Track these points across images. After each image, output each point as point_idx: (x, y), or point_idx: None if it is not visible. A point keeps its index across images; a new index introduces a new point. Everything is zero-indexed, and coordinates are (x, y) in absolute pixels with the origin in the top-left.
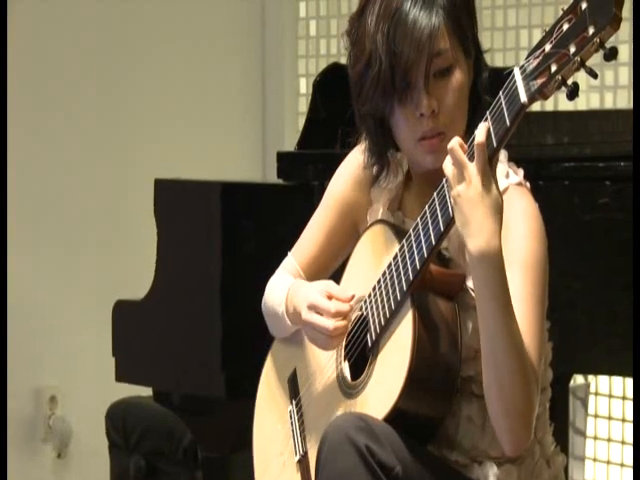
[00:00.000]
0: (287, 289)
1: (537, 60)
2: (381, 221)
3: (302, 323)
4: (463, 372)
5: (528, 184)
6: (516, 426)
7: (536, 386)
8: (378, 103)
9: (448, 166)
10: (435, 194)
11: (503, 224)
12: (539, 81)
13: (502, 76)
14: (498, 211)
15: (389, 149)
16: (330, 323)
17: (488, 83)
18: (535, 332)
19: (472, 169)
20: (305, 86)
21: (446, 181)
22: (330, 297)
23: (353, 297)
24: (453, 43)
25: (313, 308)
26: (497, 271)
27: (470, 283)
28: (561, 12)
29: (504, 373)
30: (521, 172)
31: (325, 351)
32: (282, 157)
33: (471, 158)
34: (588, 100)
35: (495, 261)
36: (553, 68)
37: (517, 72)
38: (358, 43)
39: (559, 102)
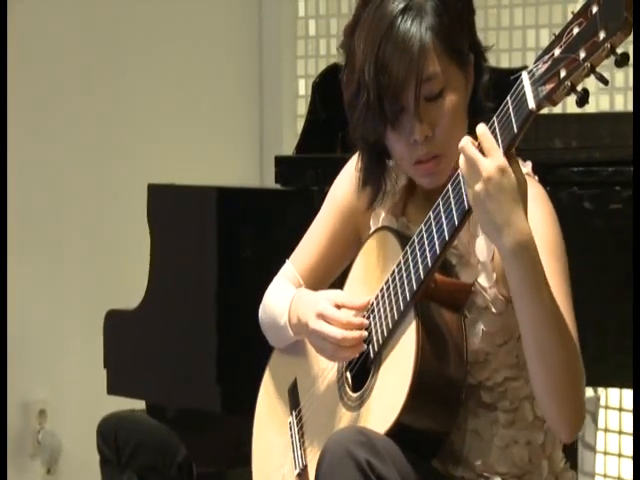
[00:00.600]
0: (290, 299)
1: (546, 65)
2: (384, 227)
3: (308, 333)
4: (472, 378)
5: (536, 177)
6: (572, 413)
7: (583, 368)
8: (370, 129)
9: (462, 166)
10: (440, 199)
11: None
12: (548, 87)
13: (509, 79)
14: (522, 197)
15: (384, 173)
16: (339, 332)
17: (490, 85)
18: (571, 312)
19: (486, 163)
20: (304, 88)
21: (451, 184)
22: (339, 307)
23: (367, 304)
24: (444, 64)
25: (322, 317)
26: (535, 260)
27: (481, 281)
28: (570, 13)
29: (556, 366)
30: (529, 164)
31: (332, 362)
32: (280, 161)
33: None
34: (598, 102)
35: (531, 250)
36: (562, 73)
37: (525, 77)
38: (349, 63)
39: (568, 104)
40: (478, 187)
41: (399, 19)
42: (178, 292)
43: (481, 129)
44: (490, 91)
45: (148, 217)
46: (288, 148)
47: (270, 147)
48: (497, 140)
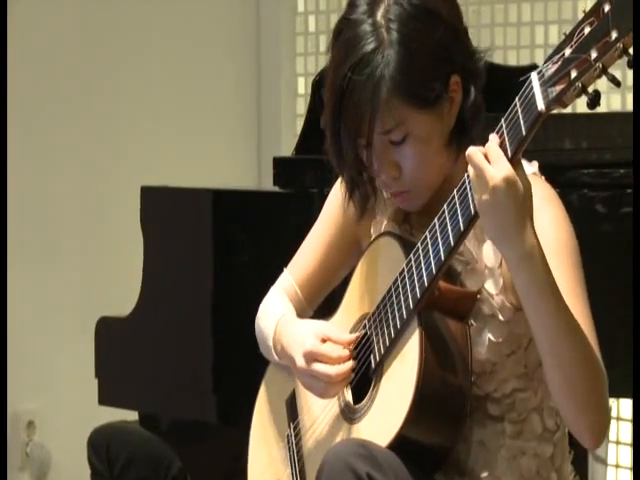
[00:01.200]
0: (275, 324)
1: (556, 65)
2: (387, 233)
3: (296, 371)
4: (479, 390)
5: (543, 178)
6: (595, 420)
7: (604, 372)
8: (341, 153)
9: (470, 173)
10: (445, 205)
11: None
12: (558, 88)
13: (517, 77)
14: (529, 205)
15: (371, 183)
16: (332, 370)
17: (480, 103)
18: (588, 318)
19: (492, 173)
20: (304, 86)
21: (457, 190)
22: (325, 340)
23: (355, 340)
24: (405, 114)
25: (311, 355)
26: (541, 268)
27: (488, 287)
28: (581, 11)
29: (574, 374)
30: (535, 164)
31: (322, 399)
32: (279, 163)
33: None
34: (609, 101)
35: (537, 259)
36: (573, 74)
37: (534, 78)
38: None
39: (577, 103)
40: (484, 196)
41: (356, 75)
42: (172, 298)
43: (492, 140)
44: (481, 105)
45: (141, 221)
46: (287, 149)
47: (268, 148)
48: (505, 143)
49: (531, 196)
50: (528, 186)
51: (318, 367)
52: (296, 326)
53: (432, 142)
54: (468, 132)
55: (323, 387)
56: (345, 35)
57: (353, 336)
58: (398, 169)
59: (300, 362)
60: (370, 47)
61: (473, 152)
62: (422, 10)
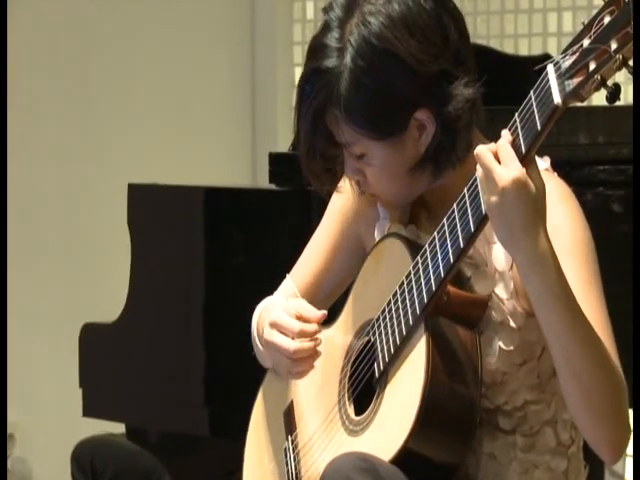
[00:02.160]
0: (262, 308)
1: (574, 57)
2: (393, 235)
3: (264, 344)
4: (489, 402)
5: (555, 174)
6: (614, 433)
7: (622, 381)
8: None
9: (479, 173)
10: (455, 205)
11: None
12: (575, 80)
13: (529, 67)
14: (541, 207)
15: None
16: (292, 344)
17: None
18: (605, 324)
19: (501, 174)
20: None
21: (467, 189)
22: (299, 317)
23: (324, 316)
24: (357, 137)
25: (275, 326)
26: (554, 274)
27: (499, 292)
28: (602, 2)
29: (591, 384)
30: (547, 159)
31: (290, 378)
32: (275, 159)
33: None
34: (626, 93)
35: (549, 264)
36: (592, 66)
37: (550, 69)
38: None
39: (593, 95)
40: (493, 198)
41: (309, 85)
42: (161, 303)
43: (503, 138)
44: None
45: (128, 221)
46: (283, 144)
47: (263, 143)
48: (518, 139)
49: (544, 197)
50: (541, 187)
51: (279, 339)
52: (278, 305)
53: (390, 169)
54: (445, 157)
55: (286, 364)
56: (315, 37)
57: (321, 312)
58: (363, 175)
59: (265, 333)
60: (328, 63)
61: (482, 151)
62: (380, 49)
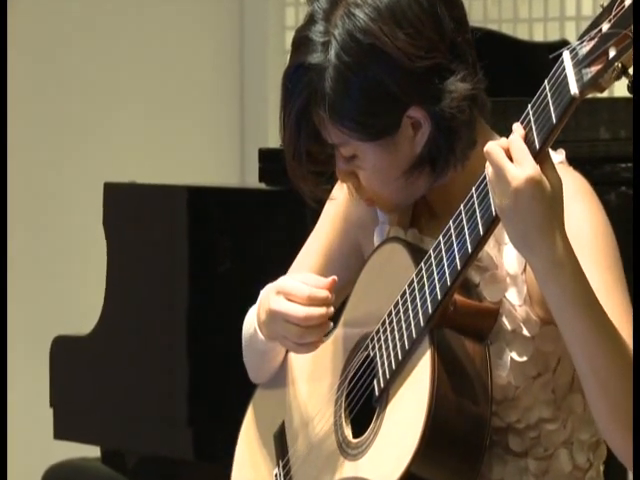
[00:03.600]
0: (260, 298)
1: (592, 42)
2: (393, 239)
3: (269, 318)
4: (499, 420)
5: (571, 168)
6: None
7: None
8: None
9: (488, 172)
10: (462, 206)
11: None
12: (594, 69)
13: (544, 55)
14: (559, 207)
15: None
16: (302, 309)
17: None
18: (630, 325)
19: (515, 173)
20: None
21: (476, 189)
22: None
23: (334, 282)
24: (345, 138)
25: (282, 293)
26: (575, 279)
27: (511, 297)
28: None
29: (618, 394)
30: (562, 152)
31: (298, 353)
32: (265, 155)
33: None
34: None
35: (569, 269)
36: (611, 53)
37: (567, 57)
38: None
39: (615, 86)
40: (506, 200)
41: (292, 82)
42: (141, 314)
43: (515, 133)
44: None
45: (104, 223)
46: (274, 139)
47: (252, 138)
48: (531, 133)
49: (562, 196)
50: (558, 185)
51: (287, 306)
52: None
53: (384, 172)
54: (443, 159)
55: (295, 333)
56: (299, 30)
57: (330, 278)
58: (356, 178)
59: (271, 303)
60: (312, 59)
61: (492, 148)
62: (366, 44)
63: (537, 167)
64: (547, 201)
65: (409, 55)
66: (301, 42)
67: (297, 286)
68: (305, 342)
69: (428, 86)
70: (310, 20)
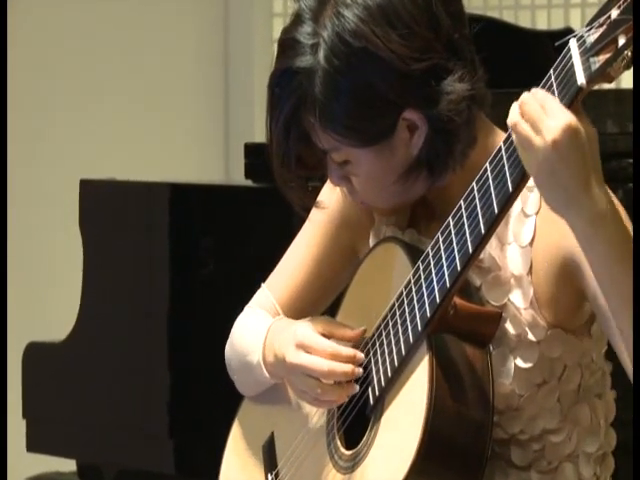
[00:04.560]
0: (265, 331)
1: (600, 30)
2: (390, 239)
3: (287, 370)
4: (502, 431)
5: None
6: None
7: None
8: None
9: (519, 128)
10: (462, 201)
11: None
12: (602, 57)
13: (548, 43)
14: (597, 156)
15: None
16: (325, 364)
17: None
18: None
19: (549, 123)
20: None
21: (477, 183)
22: (330, 335)
23: (361, 333)
24: (337, 144)
25: (302, 347)
26: (619, 229)
27: (515, 299)
28: None
29: None
30: None
31: (318, 408)
32: (251, 150)
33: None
34: None
35: (612, 220)
36: (621, 41)
37: (574, 45)
38: None
39: (623, 77)
40: (542, 156)
41: (279, 87)
42: (119, 319)
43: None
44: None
45: (80, 222)
46: (261, 133)
47: (238, 132)
48: None
49: (597, 147)
50: (593, 133)
51: (309, 360)
52: (293, 324)
53: (379, 177)
54: (441, 162)
55: (315, 389)
56: (285, 30)
57: (359, 330)
58: (349, 182)
59: (290, 356)
60: (300, 62)
61: (526, 100)
62: (357, 47)
63: (573, 115)
64: (586, 150)
65: (403, 58)
66: (288, 44)
67: (319, 341)
68: (325, 399)
69: (424, 89)
70: (297, 20)
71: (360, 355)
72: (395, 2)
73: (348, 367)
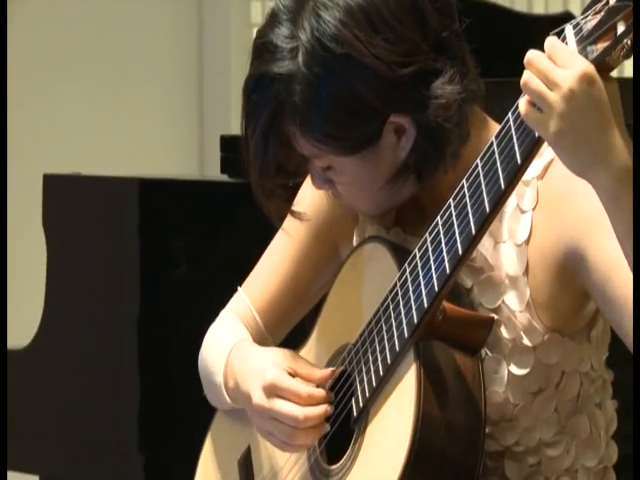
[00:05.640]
0: (227, 352)
1: (598, 16)
2: (374, 238)
3: (253, 410)
4: (496, 443)
5: None
6: None
7: None
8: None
9: (531, 85)
10: (451, 199)
11: None
12: (600, 46)
13: (543, 30)
14: (618, 104)
15: None
16: (299, 411)
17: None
18: None
19: (563, 73)
20: None
21: (466, 179)
22: (294, 374)
23: (331, 375)
24: (318, 151)
25: (273, 389)
26: None
27: (510, 302)
28: None
29: None
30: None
31: (285, 451)
32: (227, 143)
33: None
34: None
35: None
36: (620, 28)
37: (570, 33)
38: None
39: (625, 66)
40: (558, 111)
41: (256, 93)
42: (85, 324)
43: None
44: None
45: (44, 220)
46: (237, 124)
47: (213, 122)
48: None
49: (618, 96)
50: (615, 90)
51: (283, 407)
52: (256, 354)
53: (364, 184)
54: (430, 167)
55: (287, 434)
56: (261, 33)
57: (328, 370)
58: (334, 186)
59: (258, 398)
60: (277, 68)
61: (532, 55)
62: (338, 54)
63: (587, 62)
64: (604, 98)
65: (389, 63)
66: (265, 48)
67: (293, 385)
68: (296, 443)
69: (411, 94)
70: (273, 21)
71: (330, 395)
72: (378, 2)
73: (322, 409)
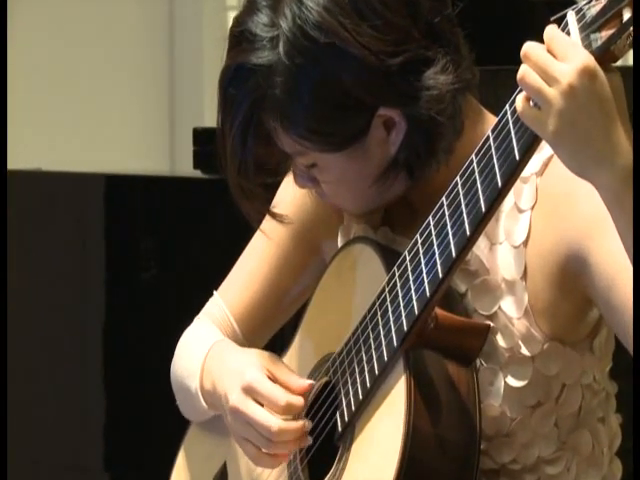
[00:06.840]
0: (205, 353)
1: (602, 2)
2: (361, 239)
3: (228, 410)
4: (491, 460)
5: None
6: None
7: None
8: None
9: (528, 79)
10: (444, 197)
11: None
12: (604, 34)
13: (546, 15)
14: (623, 98)
15: None
16: (275, 422)
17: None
18: None
19: (563, 67)
20: None
21: (460, 177)
22: (274, 379)
23: (310, 387)
24: (302, 149)
25: (250, 392)
26: None
27: (507, 308)
28: None
29: None
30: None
31: (258, 465)
32: (200, 136)
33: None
34: None
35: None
36: (626, 15)
37: (572, 19)
38: None
39: (629, 55)
40: (557, 108)
41: (233, 86)
42: (46, 330)
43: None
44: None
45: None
46: (211, 117)
47: (185, 114)
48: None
49: (622, 91)
50: (619, 84)
51: (257, 413)
52: (235, 355)
53: (351, 182)
54: (422, 163)
55: (261, 442)
56: (238, 20)
57: (308, 382)
58: (318, 185)
59: (234, 399)
60: (257, 59)
61: (530, 49)
62: (323, 43)
63: (588, 54)
64: (607, 94)
65: (376, 53)
66: (242, 36)
67: (272, 391)
68: (268, 457)
69: (401, 86)
70: (252, 7)
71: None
72: None
73: (299, 424)
